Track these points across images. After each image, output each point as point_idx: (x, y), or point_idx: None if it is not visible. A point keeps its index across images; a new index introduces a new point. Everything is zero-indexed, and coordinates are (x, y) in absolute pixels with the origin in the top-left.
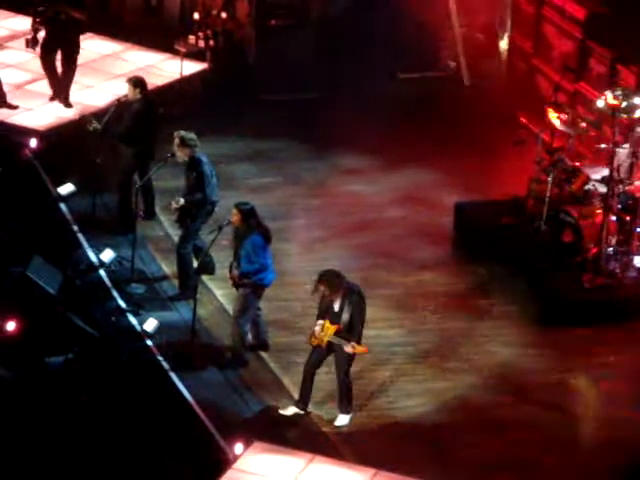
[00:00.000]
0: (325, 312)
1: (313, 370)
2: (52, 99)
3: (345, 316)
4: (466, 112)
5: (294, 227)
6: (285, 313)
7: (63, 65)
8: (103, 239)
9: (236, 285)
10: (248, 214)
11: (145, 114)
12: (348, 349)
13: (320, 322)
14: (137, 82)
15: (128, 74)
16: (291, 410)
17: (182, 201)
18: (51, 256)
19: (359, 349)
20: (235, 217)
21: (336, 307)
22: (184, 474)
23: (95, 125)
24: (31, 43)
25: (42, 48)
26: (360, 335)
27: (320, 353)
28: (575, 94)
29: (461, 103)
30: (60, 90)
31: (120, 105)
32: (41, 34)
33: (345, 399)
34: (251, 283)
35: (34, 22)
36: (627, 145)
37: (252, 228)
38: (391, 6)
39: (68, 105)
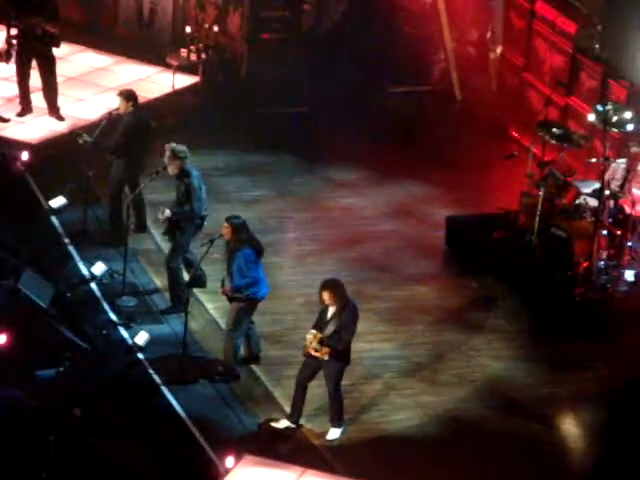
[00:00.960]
0: (320, 320)
1: (305, 383)
2: (20, 114)
3: (330, 327)
4: (457, 126)
5: (286, 240)
6: (277, 326)
7: (43, 79)
8: (94, 252)
9: (230, 299)
10: (239, 228)
11: (137, 127)
12: (316, 355)
13: (312, 331)
14: (129, 95)
15: (120, 87)
16: (283, 424)
17: (167, 212)
18: (42, 269)
19: (320, 353)
20: (226, 231)
21: (328, 316)
22: None
23: (85, 138)
24: (5, 56)
25: (16, 61)
26: (348, 350)
27: (311, 366)
28: (566, 108)
29: (452, 117)
30: (48, 106)
31: (112, 118)
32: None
33: (336, 413)
34: (244, 297)
35: (8, 35)
36: (622, 160)
37: (243, 242)
38: (383, 20)
39: (60, 118)
